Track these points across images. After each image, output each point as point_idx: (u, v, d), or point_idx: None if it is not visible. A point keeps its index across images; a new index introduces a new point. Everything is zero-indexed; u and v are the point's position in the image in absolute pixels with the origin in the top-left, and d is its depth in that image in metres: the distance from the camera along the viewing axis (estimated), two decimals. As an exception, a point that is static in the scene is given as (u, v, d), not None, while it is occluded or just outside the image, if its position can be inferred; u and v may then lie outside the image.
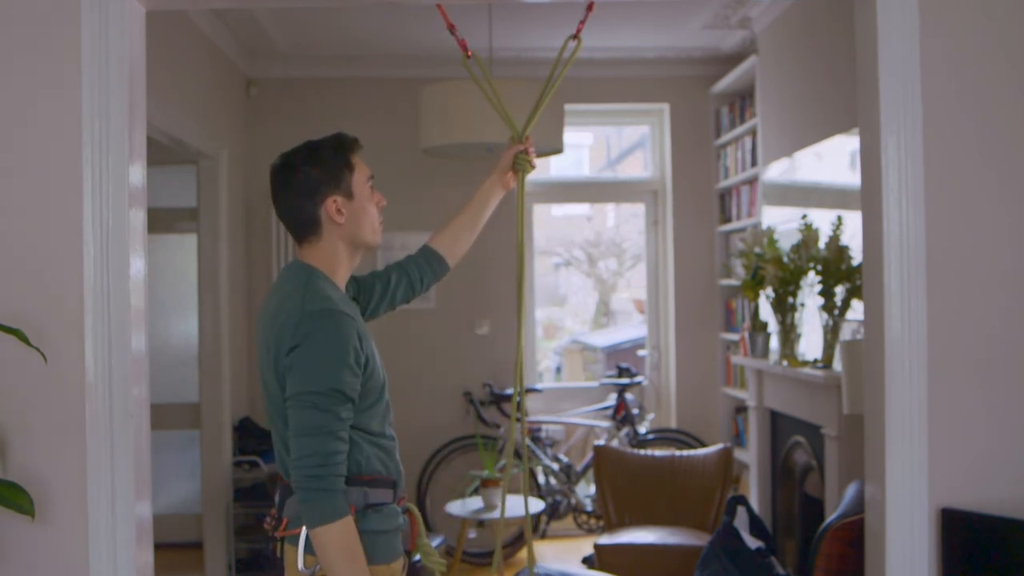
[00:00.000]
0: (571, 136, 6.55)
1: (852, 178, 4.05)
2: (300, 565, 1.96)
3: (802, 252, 4.16)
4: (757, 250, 4.50)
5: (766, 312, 4.68)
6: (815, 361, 4.06)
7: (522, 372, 2.44)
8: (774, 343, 4.66)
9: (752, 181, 5.39)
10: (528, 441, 5.63)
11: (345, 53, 5.82)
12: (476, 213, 2.48)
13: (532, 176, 2.53)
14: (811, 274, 4.15)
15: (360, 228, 2.12)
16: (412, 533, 2.19)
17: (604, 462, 4.79)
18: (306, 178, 2.07)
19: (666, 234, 6.20)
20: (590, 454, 5.49)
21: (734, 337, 5.66)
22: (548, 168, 6.55)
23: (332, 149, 2.11)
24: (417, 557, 2.23)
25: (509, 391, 5.75)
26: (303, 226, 2.10)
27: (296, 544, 1.99)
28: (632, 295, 7.46)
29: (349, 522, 1.91)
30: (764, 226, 4.88)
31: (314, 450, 1.90)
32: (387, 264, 2.45)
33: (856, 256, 3.86)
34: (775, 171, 4.98)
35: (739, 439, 5.79)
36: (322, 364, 1.92)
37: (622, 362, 6.07)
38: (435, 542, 4.83)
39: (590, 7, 2.41)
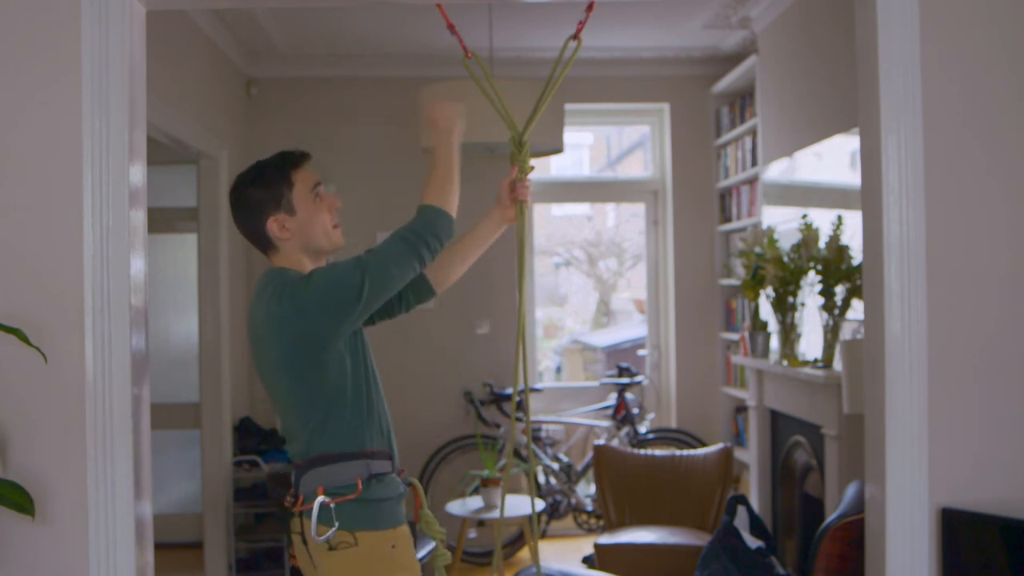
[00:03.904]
0: (571, 136, 6.56)
1: (852, 178, 4.06)
2: (313, 532, 2.13)
3: (802, 252, 4.16)
4: (757, 250, 4.50)
5: (766, 312, 4.68)
6: (815, 361, 4.06)
7: (526, 374, 2.47)
8: (774, 343, 4.66)
9: (752, 181, 5.39)
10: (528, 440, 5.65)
11: (345, 53, 5.82)
12: (473, 246, 2.54)
13: (532, 176, 2.54)
14: (811, 274, 4.15)
15: (310, 237, 2.26)
16: (415, 504, 2.35)
17: (604, 462, 4.79)
18: (249, 200, 2.25)
19: (666, 234, 6.20)
20: (590, 454, 5.49)
21: (734, 337, 5.66)
22: (548, 168, 6.55)
23: (273, 168, 2.26)
24: (423, 555, 2.29)
25: (510, 391, 5.75)
26: (259, 243, 2.29)
27: (311, 518, 2.15)
28: (632, 295, 7.46)
29: (428, 196, 2.23)
30: (764, 226, 4.88)
31: (389, 244, 2.17)
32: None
33: (856, 256, 3.86)
34: (775, 171, 4.98)
35: (739, 439, 5.79)
36: (336, 274, 2.13)
37: (622, 362, 6.07)
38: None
39: (590, 7, 2.41)
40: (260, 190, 2.23)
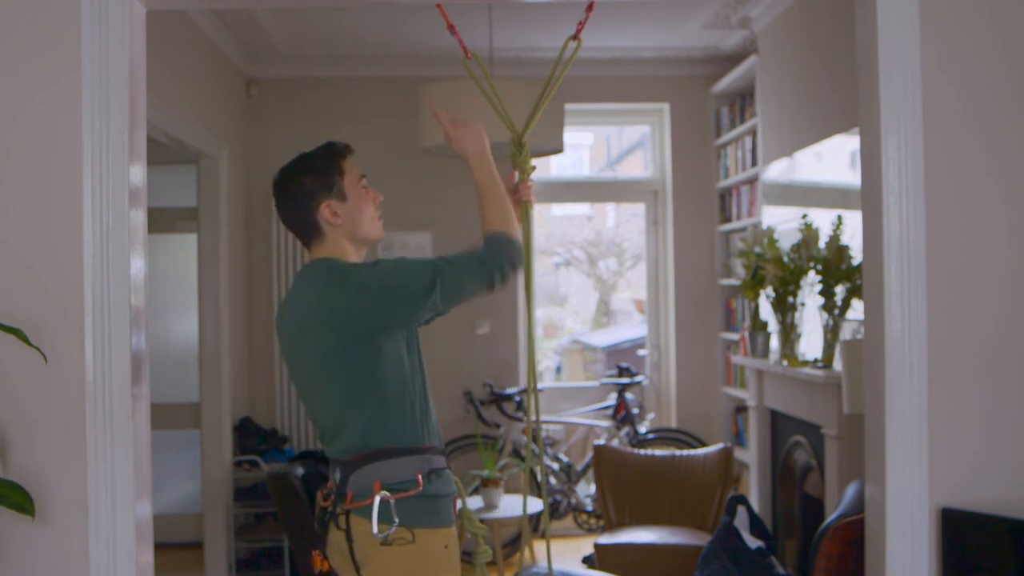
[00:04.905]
0: (571, 136, 6.55)
1: (852, 178, 4.05)
2: (375, 530, 2.10)
3: (802, 252, 4.16)
4: (757, 250, 4.50)
5: (766, 312, 4.68)
6: (815, 361, 4.05)
7: (533, 373, 2.48)
8: (774, 343, 4.66)
9: (752, 181, 5.39)
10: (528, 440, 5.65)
11: (345, 53, 5.82)
12: None
13: (532, 175, 2.54)
14: (811, 274, 4.15)
15: (357, 225, 2.27)
16: (454, 502, 2.33)
17: (604, 462, 4.79)
18: (300, 187, 2.24)
19: (666, 234, 6.20)
20: (590, 454, 5.49)
21: (734, 337, 5.66)
22: (548, 168, 6.55)
23: (322, 157, 2.27)
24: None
25: (509, 391, 5.75)
26: (306, 231, 2.27)
27: (363, 515, 2.13)
28: (632, 295, 7.46)
29: (496, 225, 2.24)
30: (764, 226, 4.88)
31: (471, 264, 2.19)
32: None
33: (856, 256, 3.86)
34: (775, 171, 4.98)
35: (739, 439, 5.79)
36: (406, 266, 2.17)
37: (622, 362, 6.07)
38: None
39: (590, 7, 2.41)
40: (312, 177, 2.24)
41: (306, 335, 2.18)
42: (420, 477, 2.16)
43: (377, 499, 2.11)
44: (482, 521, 4.83)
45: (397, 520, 2.11)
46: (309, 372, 2.22)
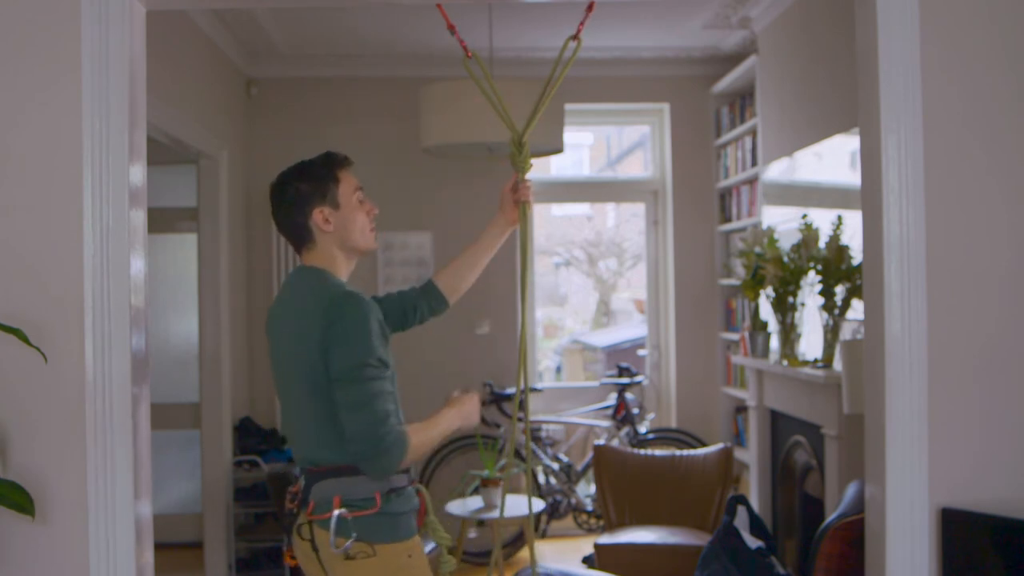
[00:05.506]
0: (571, 136, 6.56)
1: (852, 178, 4.06)
2: (332, 545, 2.14)
3: (802, 252, 4.16)
4: (757, 250, 4.50)
5: (766, 312, 4.68)
6: (815, 361, 4.06)
7: (527, 374, 2.49)
8: (774, 343, 4.66)
9: (752, 181, 5.39)
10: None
11: (345, 53, 5.82)
12: (481, 252, 2.61)
13: (532, 175, 2.56)
14: (811, 274, 4.15)
15: (349, 234, 2.32)
16: (420, 511, 2.36)
17: (604, 462, 4.79)
18: (296, 192, 2.30)
19: (666, 234, 6.20)
20: (590, 454, 5.49)
21: (734, 337, 5.66)
22: (548, 168, 6.55)
23: (320, 165, 2.32)
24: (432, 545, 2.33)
25: (509, 391, 5.75)
26: (299, 236, 2.33)
27: (325, 527, 2.17)
28: (632, 295, 7.46)
29: (414, 436, 2.18)
30: (764, 226, 4.88)
31: (369, 420, 2.12)
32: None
33: (856, 256, 3.86)
34: (775, 171, 4.98)
35: (739, 439, 5.79)
36: (360, 338, 2.14)
37: (622, 362, 6.07)
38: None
39: (590, 7, 2.42)
40: (307, 183, 2.29)
41: (290, 340, 2.23)
42: (378, 496, 2.18)
43: (335, 515, 2.15)
44: (481, 522, 4.85)
45: (355, 534, 2.15)
46: (287, 377, 2.27)
